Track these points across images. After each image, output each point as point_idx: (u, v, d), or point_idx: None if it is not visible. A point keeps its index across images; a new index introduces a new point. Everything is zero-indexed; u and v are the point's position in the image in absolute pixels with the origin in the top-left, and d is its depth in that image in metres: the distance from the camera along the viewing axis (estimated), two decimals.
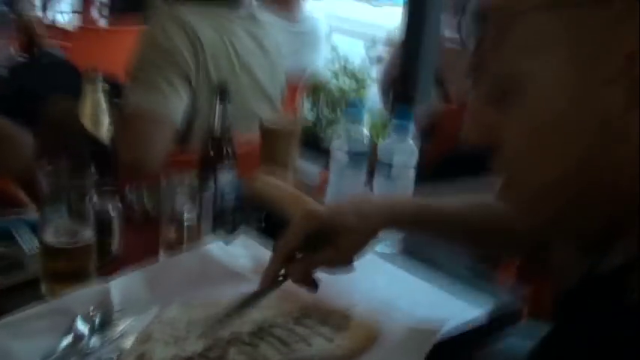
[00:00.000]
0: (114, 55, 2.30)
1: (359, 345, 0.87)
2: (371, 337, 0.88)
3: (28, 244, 1.05)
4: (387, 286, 1.02)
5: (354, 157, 1.24)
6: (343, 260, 0.84)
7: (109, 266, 0.97)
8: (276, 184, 1.27)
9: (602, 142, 0.47)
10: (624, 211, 0.48)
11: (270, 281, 0.85)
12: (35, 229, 1.04)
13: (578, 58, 0.47)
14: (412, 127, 1.20)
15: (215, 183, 1.13)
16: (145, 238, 1.07)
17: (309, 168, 1.44)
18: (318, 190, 1.57)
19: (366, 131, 1.25)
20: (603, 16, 0.46)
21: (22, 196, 1.14)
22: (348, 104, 1.24)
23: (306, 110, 2.84)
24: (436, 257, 1.10)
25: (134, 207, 1.17)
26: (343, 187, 1.27)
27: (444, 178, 1.50)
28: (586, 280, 0.55)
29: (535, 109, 0.50)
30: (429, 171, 1.78)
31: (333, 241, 0.82)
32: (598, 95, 0.47)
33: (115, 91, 1.83)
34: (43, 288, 0.93)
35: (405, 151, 1.19)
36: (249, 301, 0.85)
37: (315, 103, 2.88)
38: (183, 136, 1.45)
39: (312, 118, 2.90)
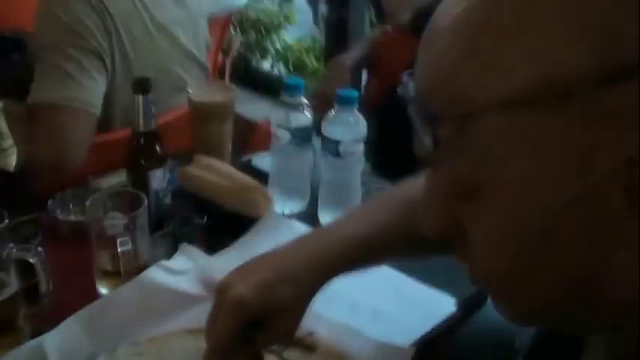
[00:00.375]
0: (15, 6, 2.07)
1: None
2: None
3: None
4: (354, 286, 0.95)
5: (297, 133, 1.13)
6: (288, 334, 0.73)
7: (41, 313, 0.87)
8: (217, 171, 1.16)
9: (595, 252, 0.40)
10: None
11: None
12: None
13: (550, 164, 0.39)
14: (357, 97, 1.09)
15: (147, 190, 1.01)
16: (77, 259, 0.96)
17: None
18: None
19: (307, 104, 1.14)
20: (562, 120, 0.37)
21: None
22: (285, 85, 1.11)
23: (234, 40, 2.67)
24: None
25: (60, 222, 1.05)
26: (288, 167, 1.17)
27: (390, 115, 1.41)
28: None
29: (504, 215, 0.42)
30: (375, 108, 1.69)
31: (271, 321, 0.69)
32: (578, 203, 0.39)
33: (20, 47, 1.64)
34: None
35: (351, 124, 1.09)
36: None
37: (242, 32, 2.71)
38: (104, 120, 1.31)
39: (241, 48, 2.74)
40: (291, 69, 3.28)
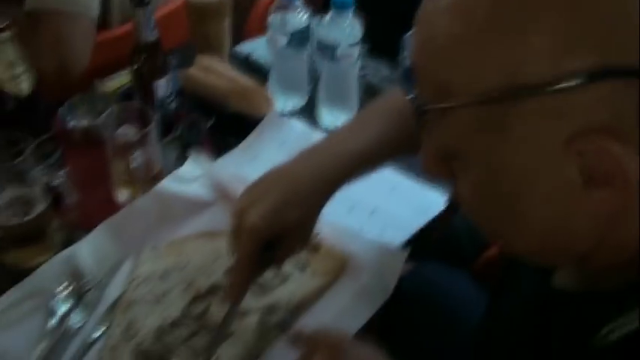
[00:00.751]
0: None
1: (331, 272, 0.91)
2: (342, 263, 0.92)
3: None
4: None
5: (294, 35, 1.16)
6: (302, 247, 0.82)
7: (70, 224, 0.95)
8: (217, 73, 1.21)
9: (555, 217, 0.48)
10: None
11: (239, 295, 0.79)
12: None
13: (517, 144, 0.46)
14: (352, 2, 1.11)
15: (153, 100, 1.06)
16: (94, 166, 1.02)
17: None
18: None
19: (302, 5, 1.16)
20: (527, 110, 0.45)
21: None
22: None
23: None
24: None
25: (73, 130, 1.11)
26: (287, 67, 1.21)
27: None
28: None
29: (482, 183, 0.49)
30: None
31: (285, 240, 0.77)
32: (546, 184, 0.47)
33: None
34: (10, 258, 0.92)
35: (347, 29, 1.12)
36: (227, 321, 0.79)
37: None
38: (101, 17, 1.32)
39: None
40: None
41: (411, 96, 0.51)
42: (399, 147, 0.85)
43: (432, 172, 0.55)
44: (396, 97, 0.86)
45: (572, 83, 0.42)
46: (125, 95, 1.19)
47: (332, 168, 0.80)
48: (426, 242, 1.02)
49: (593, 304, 0.53)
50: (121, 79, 1.23)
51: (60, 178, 0.92)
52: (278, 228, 0.75)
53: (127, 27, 1.31)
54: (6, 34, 0.88)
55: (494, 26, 0.44)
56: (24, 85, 0.93)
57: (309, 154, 0.83)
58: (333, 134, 0.89)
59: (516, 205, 0.49)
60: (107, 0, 1.33)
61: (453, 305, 0.98)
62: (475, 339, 0.77)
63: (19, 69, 0.92)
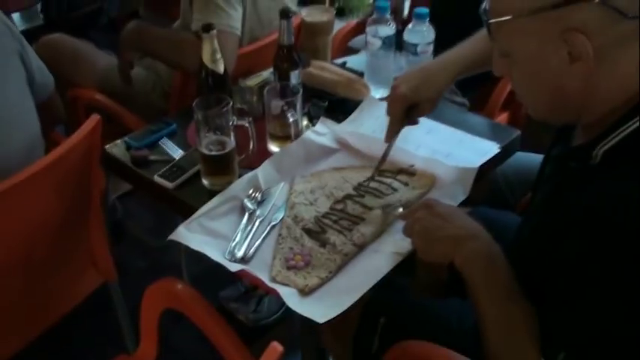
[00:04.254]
0: None
1: (425, 185, 1.35)
2: (432, 180, 1.36)
3: (174, 151, 1.48)
4: (429, 139, 1.48)
5: (386, 40, 1.64)
6: (429, 111, 1.38)
7: (247, 160, 1.41)
8: (329, 70, 1.68)
9: (559, 84, 0.92)
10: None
11: (393, 136, 1.36)
12: (173, 137, 1.49)
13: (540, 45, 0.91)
14: (427, 13, 1.58)
15: (290, 85, 1.52)
16: (260, 130, 1.49)
17: None
18: None
19: (391, 19, 1.63)
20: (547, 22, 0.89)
21: None
22: (376, 6, 1.62)
23: None
24: None
25: (244, 107, 1.58)
26: (379, 65, 1.68)
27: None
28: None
29: (522, 69, 0.95)
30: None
31: (420, 105, 1.35)
32: (552, 63, 0.91)
33: None
34: (206, 182, 1.38)
35: (424, 32, 1.59)
36: (385, 154, 1.37)
37: None
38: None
39: None
40: None
41: (483, 16, 0.96)
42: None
43: (497, 67, 1.00)
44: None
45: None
46: (261, 87, 1.67)
47: (451, 64, 1.37)
48: (486, 172, 1.45)
49: (589, 147, 0.96)
50: (258, 79, 1.71)
51: (249, 126, 1.38)
52: (417, 98, 1.31)
53: (256, 45, 1.82)
54: (212, 32, 1.37)
55: None
56: (220, 66, 1.41)
57: (439, 58, 1.40)
58: (453, 50, 1.40)
59: (537, 79, 0.94)
60: (243, 24, 1.83)
61: (506, 236, 1.39)
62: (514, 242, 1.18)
63: (217, 55, 1.40)
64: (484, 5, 0.97)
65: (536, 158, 1.24)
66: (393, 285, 1.26)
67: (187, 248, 1.22)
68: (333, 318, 1.07)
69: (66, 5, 2.48)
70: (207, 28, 1.37)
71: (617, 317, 0.86)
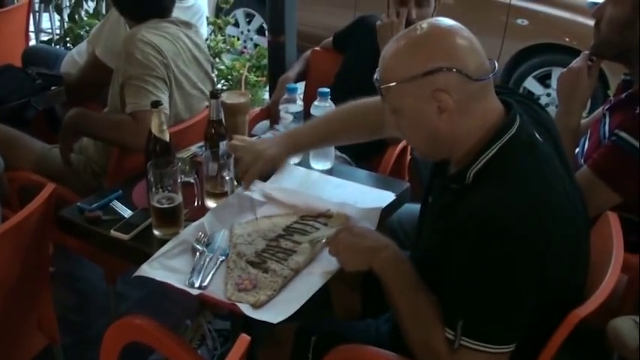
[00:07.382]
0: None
1: (341, 224, 1.67)
2: (346, 219, 1.69)
3: (124, 211, 1.72)
4: (339, 191, 1.82)
5: (296, 115, 1.99)
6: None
7: (190, 213, 1.67)
8: (244, 143, 2.00)
9: (434, 130, 1.30)
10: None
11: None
12: (120, 200, 1.73)
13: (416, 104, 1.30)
14: (329, 92, 1.96)
15: (218, 152, 1.82)
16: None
17: None
18: None
19: (299, 99, 2.00)
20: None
21: None
22: (288, 88, 1.99)
23: None
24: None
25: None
26: None
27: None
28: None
29: (406, 121, 1.33)
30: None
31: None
32: (427, 115, 1.29)
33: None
34: (157, 232, 1.62)
35: (327, 107, 1.96)
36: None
37: None
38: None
39: None
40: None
41: (376, 83, 1.33)
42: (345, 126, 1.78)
43: (390, 122, 1.36)
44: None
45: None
46: (192, 159, 1.95)
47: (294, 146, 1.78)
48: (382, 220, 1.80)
49: (462, 172, 1.32)
50: (188, 151, 1.99)
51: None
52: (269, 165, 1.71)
53: (182, 125, 2.12)
54: (160, 107, 1.66)
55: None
56: (166, 135, 1.69)
57: (285, 135, 1.81)
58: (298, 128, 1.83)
59: (418, 127, 1.32)
60: (170, 105, 2.13)
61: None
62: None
63: (164, 127, 1.68)
64: (376, 75, 1.34)
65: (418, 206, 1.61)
66: (319, 310, 1.56)
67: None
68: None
69: None
70: (156, 104, 1.66)
71: (494, 284, 1.21)
